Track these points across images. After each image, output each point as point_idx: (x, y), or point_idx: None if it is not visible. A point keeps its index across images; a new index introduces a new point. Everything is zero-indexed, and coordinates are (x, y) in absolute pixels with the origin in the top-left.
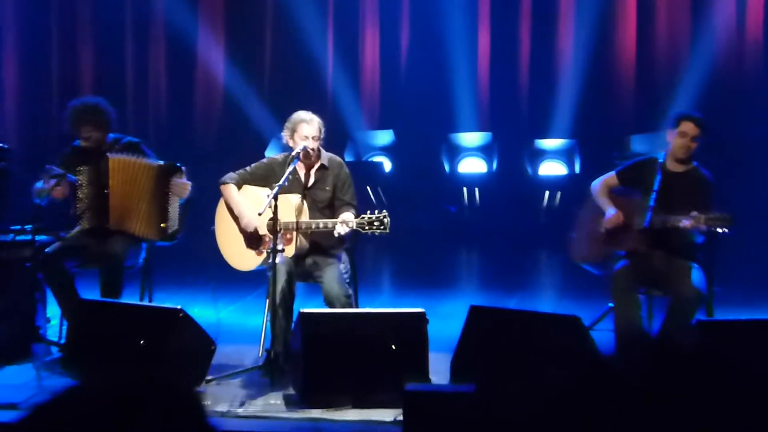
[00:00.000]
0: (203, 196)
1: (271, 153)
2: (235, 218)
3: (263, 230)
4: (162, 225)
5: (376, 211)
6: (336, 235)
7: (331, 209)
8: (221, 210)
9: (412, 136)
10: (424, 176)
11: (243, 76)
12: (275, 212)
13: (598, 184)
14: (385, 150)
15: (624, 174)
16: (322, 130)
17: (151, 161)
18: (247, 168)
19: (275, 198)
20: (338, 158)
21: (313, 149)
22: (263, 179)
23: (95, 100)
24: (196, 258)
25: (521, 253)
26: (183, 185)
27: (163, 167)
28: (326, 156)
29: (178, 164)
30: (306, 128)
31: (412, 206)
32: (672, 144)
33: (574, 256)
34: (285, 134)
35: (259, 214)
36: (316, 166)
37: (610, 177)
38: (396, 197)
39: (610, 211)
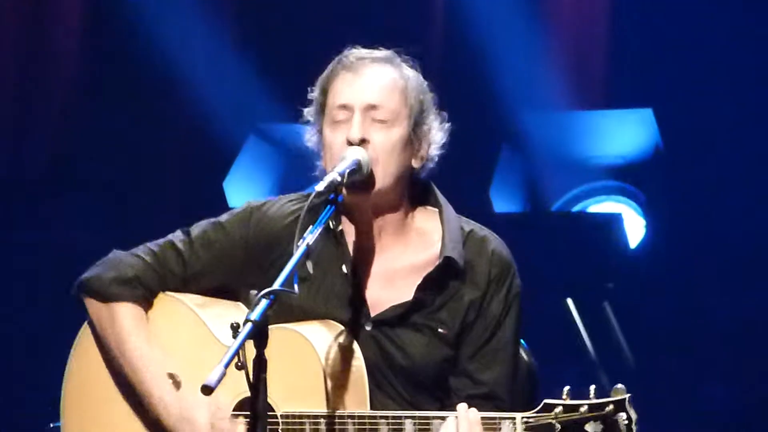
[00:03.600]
0: (27, 313)
1: (239, 190)
2: (129, 397)
3: None
4: None
5: (593, 389)
6: None
7: (432, 392)
8: (83, 369)
9: (712, 130)
10: (748, 259)
11: None
12: (256, 382)
13: None
14: (629, 173)
15: None
16: (416, 102)
17: None
18: (175, 238)
19: (256, 336)
20: (495, 242)
21: (366, 154)
22: (225, 273)
23: None
24: None
25: None
26: None
27: None
28: (456, 231)
29: None
30: (343, 86)
31: (714, 363)
32: None
33: None
34: (310, 127)
35: (208, 390)
36: (406, 242)
37: None
38: (661, 329)
39: None
